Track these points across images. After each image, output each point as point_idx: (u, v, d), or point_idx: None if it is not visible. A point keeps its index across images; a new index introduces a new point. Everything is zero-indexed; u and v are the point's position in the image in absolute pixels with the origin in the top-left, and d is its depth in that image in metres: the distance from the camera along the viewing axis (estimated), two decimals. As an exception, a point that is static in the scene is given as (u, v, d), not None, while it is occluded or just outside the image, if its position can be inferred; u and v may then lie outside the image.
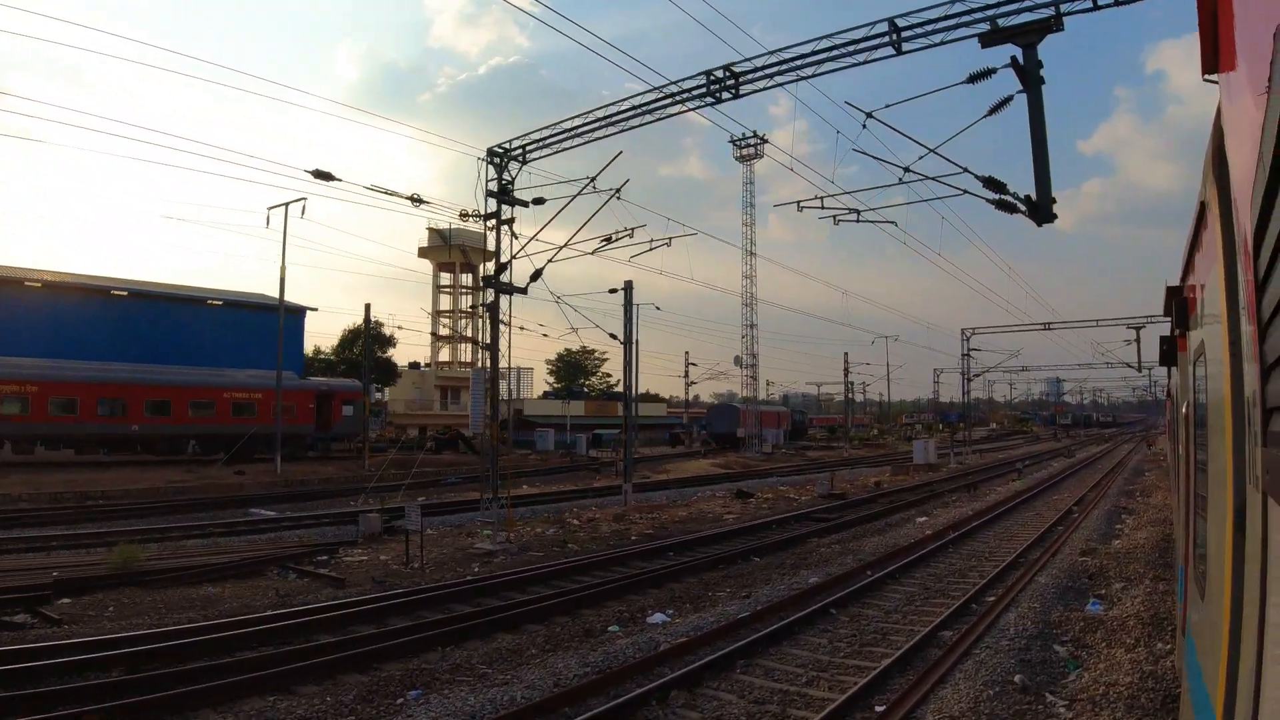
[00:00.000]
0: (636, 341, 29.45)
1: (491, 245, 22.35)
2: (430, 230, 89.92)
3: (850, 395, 65.85)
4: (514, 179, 20.95)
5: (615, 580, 14.98)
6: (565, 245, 21.01)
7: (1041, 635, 10.78)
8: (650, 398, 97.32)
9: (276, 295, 39.79)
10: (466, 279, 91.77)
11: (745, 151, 58.27)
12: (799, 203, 17.38)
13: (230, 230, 65.11)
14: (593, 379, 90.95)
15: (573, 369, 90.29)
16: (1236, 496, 1.80)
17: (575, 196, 20.71)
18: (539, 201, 20.70)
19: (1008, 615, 11.79)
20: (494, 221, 20.96)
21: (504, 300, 21.65)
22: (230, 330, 49.63)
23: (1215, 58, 1.72)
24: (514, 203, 20.78)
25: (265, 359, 42.78)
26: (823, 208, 16.83)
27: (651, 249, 21.77)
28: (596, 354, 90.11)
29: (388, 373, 61.29)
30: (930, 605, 13.09)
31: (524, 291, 21.02)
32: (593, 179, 20.67)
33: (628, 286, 29.77)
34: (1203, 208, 2.62)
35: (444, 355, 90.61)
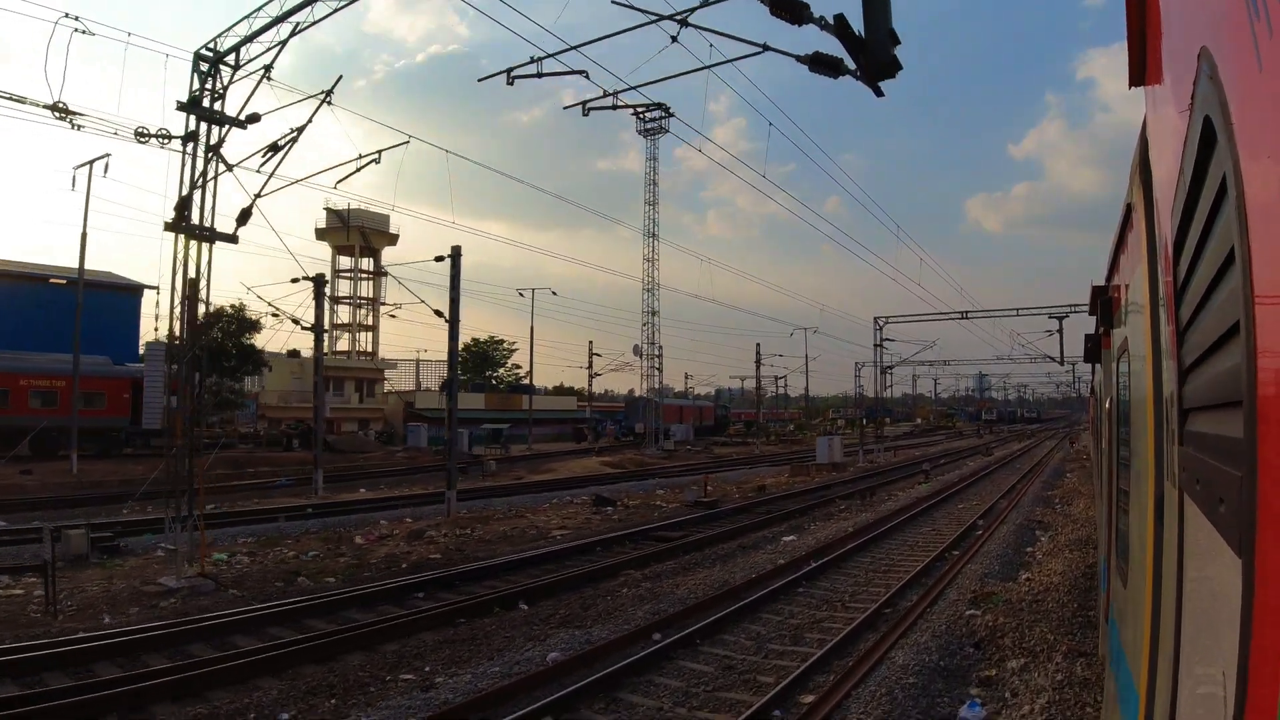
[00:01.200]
0: (457, 321, 23.74)
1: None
2: (328, 210, 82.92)
3: (761, 389, 61.19)
4: (226, 89, 14.93)
5: (267, 650, 9.50)
6: (272, 175, 15.18)
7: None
8: (566, 391, 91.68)
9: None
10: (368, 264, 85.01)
11: (649, 125, 52.95)
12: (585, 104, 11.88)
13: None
14: (501, 370, 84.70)
15: (480, 360, 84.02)
16: (1157, 489, 1.86)
17: (311, 116, 14.99)
18: (253, 119, 14.80)
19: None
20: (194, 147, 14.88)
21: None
22: (47, 310, 42.45)
23: (1142, 71, 1.76)
24: (217, 120, 14.71)
25: (87, 344, 36.02)
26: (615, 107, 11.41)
27: (359, 169, 16.51)
28: (505, 344, 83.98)
29: (252, 361, 54.33)
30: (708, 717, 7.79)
31: (233, 239, 15.01)
32: (327, 93, 15.01)
33: (455, 253, 24.09)
34: (1128, 210, 2.71)
35: (342, 344, 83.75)
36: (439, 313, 24.15)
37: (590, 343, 57.18)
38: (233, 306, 53.72)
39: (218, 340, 52.48)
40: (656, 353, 54.97)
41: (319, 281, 29.46)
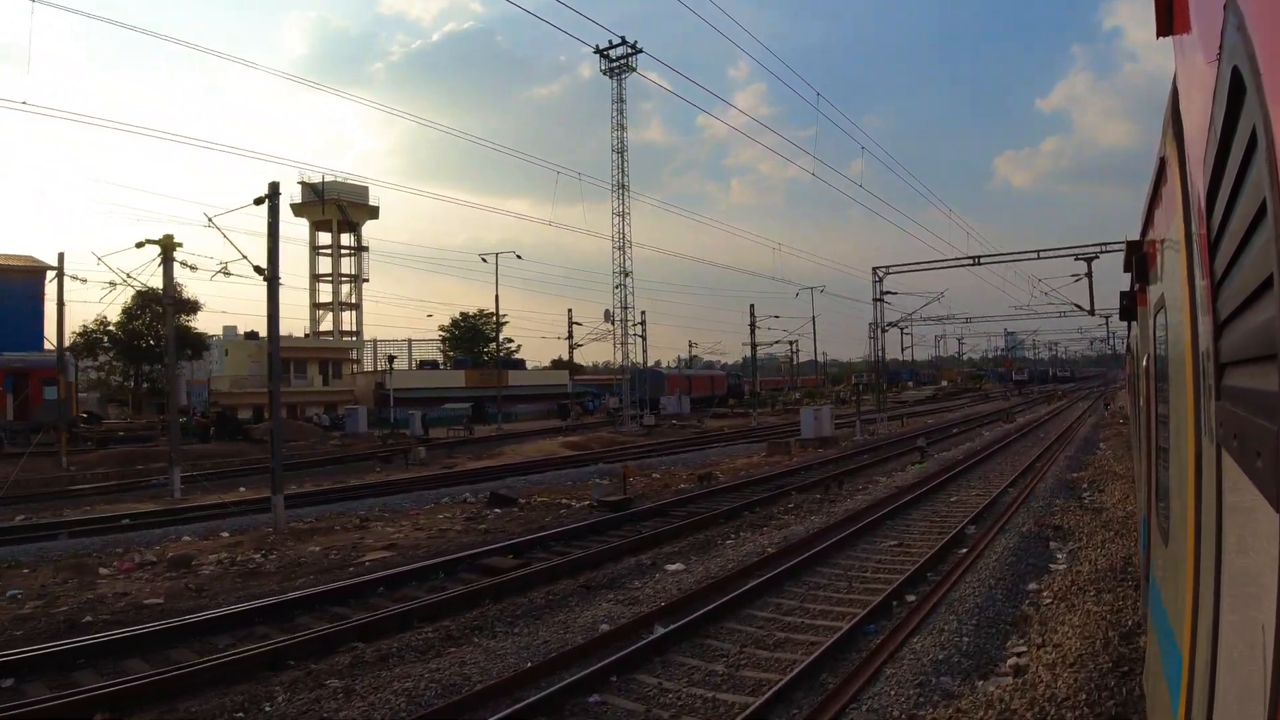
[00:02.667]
0: (278, 278, 17.74)
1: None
2: (302, 184, 77.51)
3: (755, 354, 54.64)
4: None
5: None
6: None
7: None
8: (563, 366, 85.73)
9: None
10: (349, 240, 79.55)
11: (615, 64, 46.32)
12: None
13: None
14: (493, 345, 78.85)
15: (471, 335, 78.36)
16: (1196, 446, 1.82)
17: None
18: None
19: None
20: None
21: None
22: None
23: (1170, 20, 1.69)
24: None
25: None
26: None
27: None
28: (496, 318, 78.11)
29: (192, 345, 49.13)
30: None
31: None
32: None
33: (272, 191, 18.04)
34: (1162, 163, 2.63)
35: (326, 324, 78.64)
36: (259, 269, 18.23)
37: (570, 310, 51.10)
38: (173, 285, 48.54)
39: (144, 326, 47.51)
40: (639, 319, 48.75)
41: (166, 245, 23.70)
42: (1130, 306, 4.66)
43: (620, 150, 45.42)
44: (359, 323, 78.77)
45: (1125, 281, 4.52)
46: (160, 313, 47.32)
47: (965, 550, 12.42)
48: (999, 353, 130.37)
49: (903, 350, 68.39)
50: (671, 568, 12.22)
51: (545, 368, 77.22)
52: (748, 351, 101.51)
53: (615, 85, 46.27)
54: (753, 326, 51.65)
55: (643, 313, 49.94)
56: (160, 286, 25.28)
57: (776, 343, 64.37)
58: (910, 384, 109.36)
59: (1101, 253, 35.77)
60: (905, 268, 38.70)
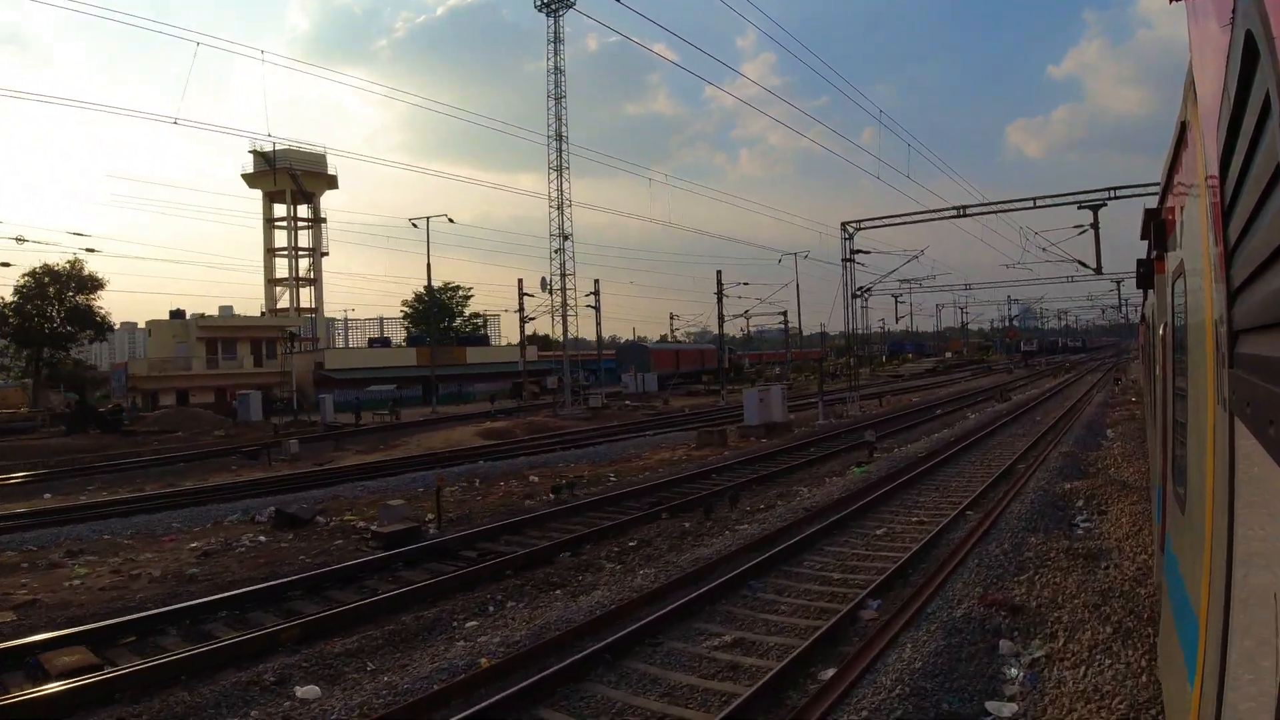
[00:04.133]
0: None
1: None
2: (255, 153, 71.65)
3: (721, 325, 48.30)
4: None
5: None
6: None
7: None
8: (537, 340, 79.81)
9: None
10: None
11: (551, 2, 39.94)
12: None
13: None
14: (459, 321, 73.17)
15: (439, 310, 72.63)
16: (1214, 414, 1.80)
17: None
18: None
19: None
20: None
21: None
22: None
23: None
24: None
25: None
26: None
27: None
28: (462, 290, 72.38)
29: (94, 326, 43.63)
30: None
31: None
32: None
33: None
34: (1183, 128, 2.57)
35: (284, 301, 73.15)
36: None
37: (520, 280, 45.01)
38: (69, 263, 43.12)
39: (35, 310, 42.11)
40: (595, 290, 42.67)
41: None
42: (1147, 274, 4.57)
43: (558, 97, 39.17)
44: (319, 299, 73.32)
45: (1141, 248, 4.37)
46: (55, 294, 41.99)
47: (833, 673, 6.53)
48: (1011, 321, 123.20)
49: (897, 320, 62.07)
50: (303, 692, 6.51)
51: (515, 344, 71.33)
52: (741, 324, 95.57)
53: (552, 24, 39.92)
54: (720, 295, 45.44)
55: (595, 281, 43.88)
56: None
57: (745, 314, 57.98)
58: (910, 356, 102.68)
59: (1111, 199, 29.34)
60: (880, 222, 32.39)
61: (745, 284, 40.88)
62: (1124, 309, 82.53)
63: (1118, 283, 65.50)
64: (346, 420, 38.46)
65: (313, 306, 72.74)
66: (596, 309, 44.47)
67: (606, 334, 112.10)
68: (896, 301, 60.25)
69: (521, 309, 46.76)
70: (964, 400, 37.54)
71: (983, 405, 34.08)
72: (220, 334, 51.27)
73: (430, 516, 14.53)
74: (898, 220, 31.90)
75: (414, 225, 43.33)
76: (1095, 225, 29.52)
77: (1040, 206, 30.22)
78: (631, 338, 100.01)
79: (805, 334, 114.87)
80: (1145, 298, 7.34)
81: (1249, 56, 0.97)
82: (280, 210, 72.69)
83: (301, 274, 73.23)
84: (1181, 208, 2.69)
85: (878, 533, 11.81)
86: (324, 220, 72.74)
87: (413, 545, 12.10)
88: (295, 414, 39.17)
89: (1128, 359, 68.32)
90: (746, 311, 43.73)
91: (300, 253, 73.11)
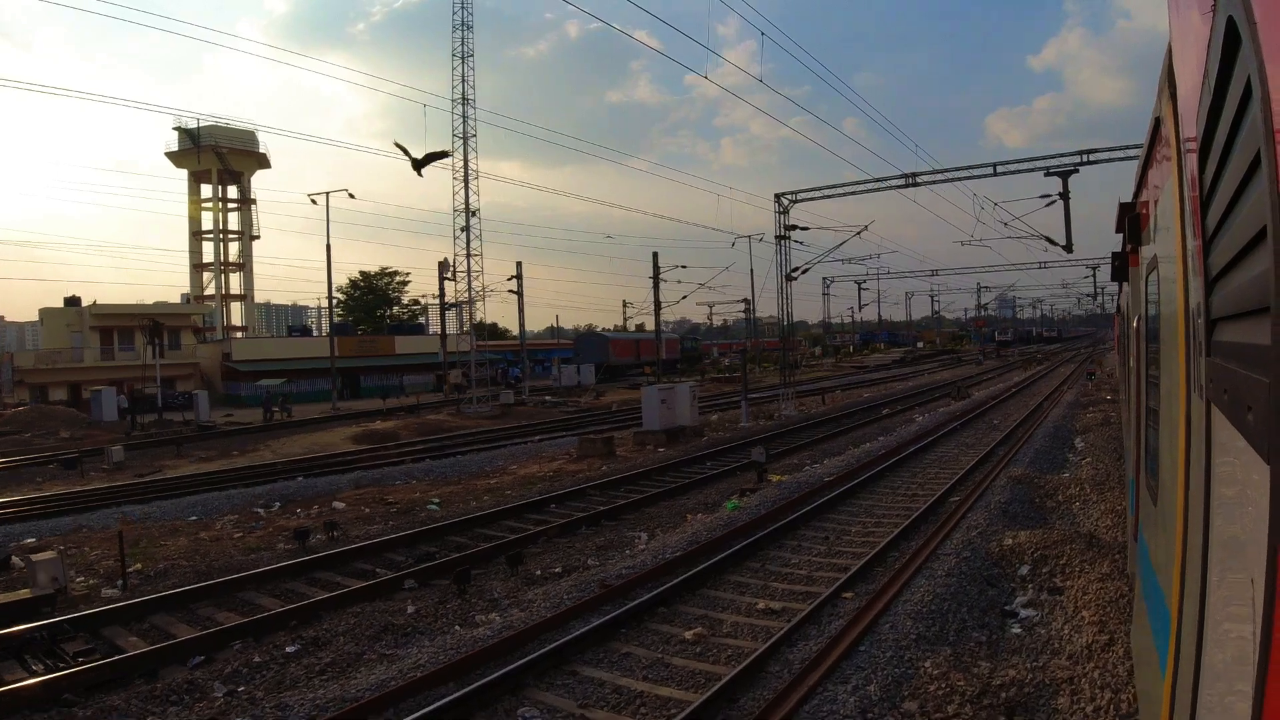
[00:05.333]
0: None
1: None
2: (179, 130, 66.05)
3: (658, 310, 43.49)
4: None
5: None
6: None
7: None
8: (488, 328, 74.77)
9: None
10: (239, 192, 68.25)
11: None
12: None
13: None
14: (396, 309, 67.93)
15: (375, 298, 67.46)
16: (1188, 404, 1.80)
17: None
18: None
19: None
20: None
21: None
22: None
23: None
24: None
25: None
26: None
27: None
28: (399, 276, 67.14)
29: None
30: None
31: None
32: None
33: None
34: (1157, 123, 2.58)
35: (212, 289, 67.69)
36: None
37: (441, 263, 39.87)
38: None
39: None
40: (518, 274, 37.76)
41: None
42: (1122, 266, 4.60)
43: (464, 56, 34.14)
44: (249, 286, 67.93)
45: (1117, 240, 4.45)
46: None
47: None
48: (987, 311, 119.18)
49: (860, 307, 57.62)
50: None
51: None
52: (704, 312, 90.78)
53: (461, -33, 34.72)
54: (656, 279, 40.63)
55: (518, 264, 38.94)
56: None
57: (681, 299, 53.20)
58: (881, 346, 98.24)
59: (1084, 163, 24.85)
60: (820, 193, 27.70)
61: (683, 267, 36.49)
62: (1100, 298, 78.56)
63: (1093, 269, 61.34)
64: (254, 418, 33.70)
65: (242, 294, 67.42)
66: (519, 294, 39.66)
67: (570, 324, 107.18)
68: (860, 287, 55.68)
69: (442, 294, 41.81)
70: (919, 397, 33.02)
71: (931, 406, 29.56)
72: (116, 323, 45.97)
73: (95, 576, 9.81)
74: (841, 191, 27.24)
75: (313, 202, 38.33)
76: (1065, 195, 25.03)
77: (1002, 174, 25.68)
78: (605, 328, 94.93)
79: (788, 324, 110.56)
80: (1120, 290, 7.31)
81: (1230, 43, 0.98)
82: (208, 192, 67.26)
83: (233, 259, 67.93)
84: (1156, 201, 2.73)
85: (686, 638, 7.17)
86: (253, 201, 67.32)
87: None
88: (161, 412, 34.12)
89: (1104, 350, 64.34)
90: (684, 296, 39.07)
91: (230, 236, 67.74)
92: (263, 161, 68.36)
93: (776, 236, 27.58)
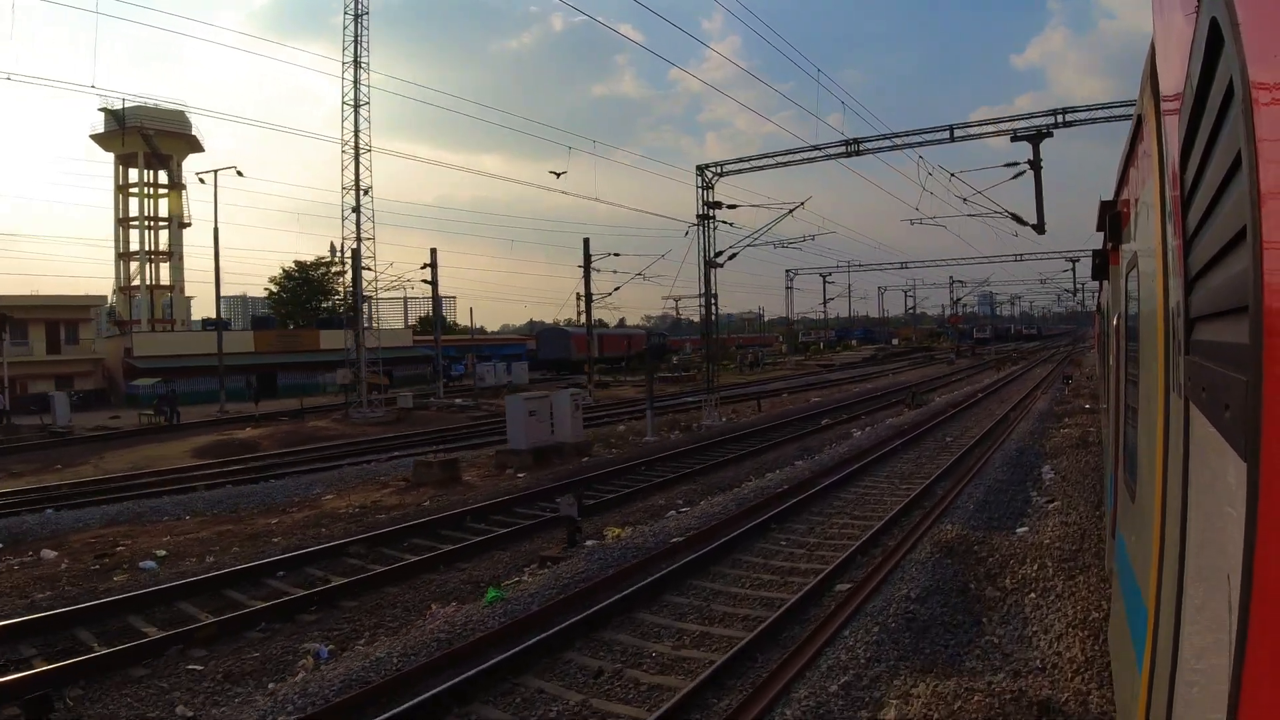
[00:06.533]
0: None
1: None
2: (105, 111, 60.75)
3: (589, 302, 38.98)
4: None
5: None
6: None
7: None
8: (449, 327, 69.97)
9: None
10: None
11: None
12: None
13: None
14: (332, 300, 62.82)
15: (307, 289, 62.48)
16: (1165, 402, 1.80)
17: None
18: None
19: None
20: None
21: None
22: None
23: None
24: None
25: None
26: None
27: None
28: (337, 267, 61.98)
29: None
30: None
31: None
32: None
33: None
34: (1138, 122, 2.55)
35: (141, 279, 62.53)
36: None
37: (354, 251, 35.21)
38: None
39: None
40: (433, 262, 33.09)
41: None
42: (1102, 265, 4.65)
43: (358, 14, 29.39)
44: (177, 276, 62.88)
45: (1097, 239, 4.32)
46: None
47: None
48: (965, 307, 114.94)
49: (825, 301, 53.40)
50: None
51: (394, 329, 61.53)
52: (674, 306, 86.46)
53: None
54: (587, 269, 36.04)
55: (432, 250, 34.27)
56: None
57: (615, 290, 48.75)
58: (854, 343, 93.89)
59: (1059, 125, 20.52)
60: (748, 164, 23.20)
61: (616, 255, 32.43)
62: (1080, 295, 74.41)
63: (1073, 262, 57.15)
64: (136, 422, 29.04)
65: (171, 285, 62.37)
66: (434, 284, 34.89)
67: (551, 320, 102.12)
68: (825, 280, 51.37)
69: (357, 283, 37.05)
70: (872, 403, 28.64)
71: (890, 411, 25.16)
72: (7, 314, 40.90)
73: None
74: (771, 161, 22.75)
75: (202, 181, 33.63)
76: (1037, 164, 20.65)
77: (960, 139, 21.28)
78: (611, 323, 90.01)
79: (763, 320, 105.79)
80: (1101, 288, 7.26)
81: (1213, 44, 0.98)
82: (137, 176, 62.10)
83: (161, 248, 62.85)
84: (1137, 199, 2.70)
85: None
86: (183, 186, 62.21)
87: None
88: (8, 415, 29.34)
89: (1083, 348, 60.35)
90: (617, 288, 34.83)
91: (159, 223, 62.66)
92: (194, 145, 63.28)
93: (698, 216, 23.09)
